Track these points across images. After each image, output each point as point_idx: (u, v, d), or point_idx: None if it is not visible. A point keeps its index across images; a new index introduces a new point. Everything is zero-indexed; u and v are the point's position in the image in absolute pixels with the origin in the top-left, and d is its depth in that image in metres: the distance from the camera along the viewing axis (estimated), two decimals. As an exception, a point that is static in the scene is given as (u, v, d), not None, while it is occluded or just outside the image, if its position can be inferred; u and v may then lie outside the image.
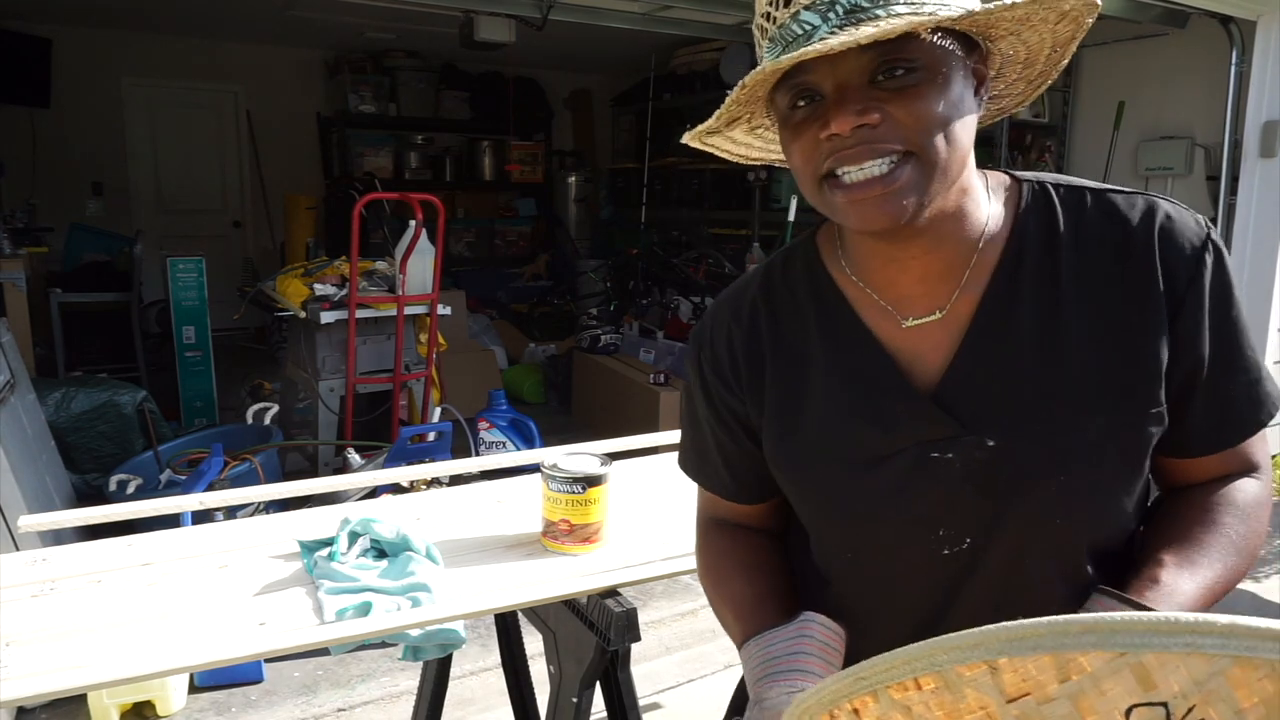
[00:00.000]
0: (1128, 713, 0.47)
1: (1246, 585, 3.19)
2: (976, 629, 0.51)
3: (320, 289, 3.66)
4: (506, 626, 1.81)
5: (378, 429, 3.86)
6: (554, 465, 1.38)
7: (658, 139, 7.30)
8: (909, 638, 0.77)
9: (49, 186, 6.48)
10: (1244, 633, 0.43)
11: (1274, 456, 4.24)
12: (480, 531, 1.47)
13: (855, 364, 0.77)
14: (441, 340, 3.95)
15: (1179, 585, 0.69)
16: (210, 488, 2.72)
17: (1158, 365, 0.71)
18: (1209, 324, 0.72)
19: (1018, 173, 0.80)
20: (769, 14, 0.69)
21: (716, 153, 0.85)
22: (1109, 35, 4.72)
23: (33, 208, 5.67)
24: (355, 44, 7.27)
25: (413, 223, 3.69)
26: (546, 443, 3.65)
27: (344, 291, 3.64)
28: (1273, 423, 0.78)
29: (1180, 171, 4.67)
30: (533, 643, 1.72)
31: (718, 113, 0.73)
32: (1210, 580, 0.71)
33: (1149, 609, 0.66)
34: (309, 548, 1.37)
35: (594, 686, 1.33)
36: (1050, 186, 0.77)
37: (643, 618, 2.61)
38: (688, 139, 0.80)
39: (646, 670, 2.56)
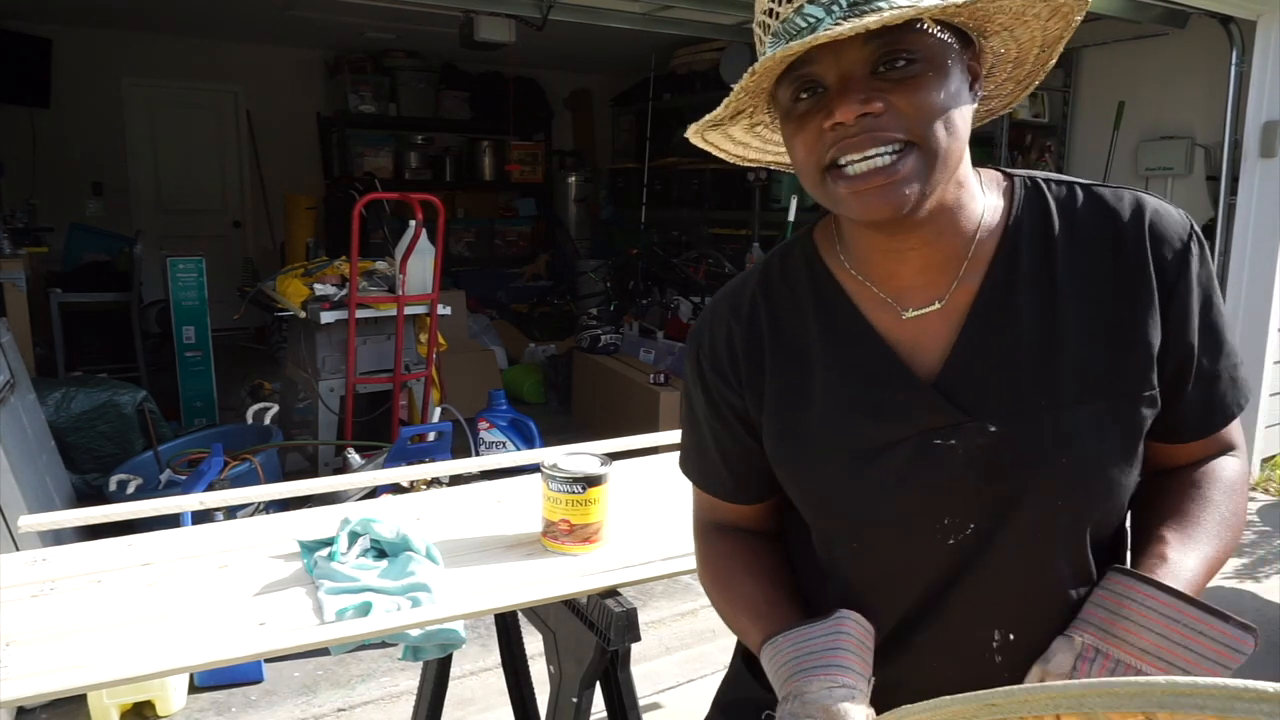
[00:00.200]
0: None
1: (1247, 585, 3.19)
2: (1138, 679, 0.48)
3: (320, 289, 3.66)
4: (506, 626, 1.81)
5: (378, 429, 3.86)
6: (554, 465, 1.38)
7: (658, 139, 7.30)
8: (912, 626, 0.79)
9: (49, 186, 6.48)
10: None
11: (1273, 457, 4.25)
12: (480, 531, 1.47)
13: (855, 356, 0.78)
14: (441, 340, 3.95)
15: (1185, 562, 0.72)
16: (210, 488, 2.72)
17: (1150, 351, 0.74)
18: (1197, 313, 0.76)
19: (1010, 170, 0.82)
20: (772, 10, 0.71)
21: (715, 152, 0.85)
22: (1109, 35, 4.72)
23: (33, 208, 5.67)
24: (355, 44, 7.27)
25: (413, 223, 3.69)
26: (546, 443, 3.65)
27: (344, 291, 3.64)
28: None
29: (1180, 171, 4.67)
30: (533, 643, 1.72)
31: (725, 101, 0.74)
32: (1209, 555, 0.74)
33: (1165, 585, 0.69)
34: (309, 548, 1.37)
35: (594, 686, 1.33)
36: (1042, 182, 0.79)
37: (643, 618, 2.61)
38: (691, 132, 0.81)
39: (646, 670, 2.56)
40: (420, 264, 3.76)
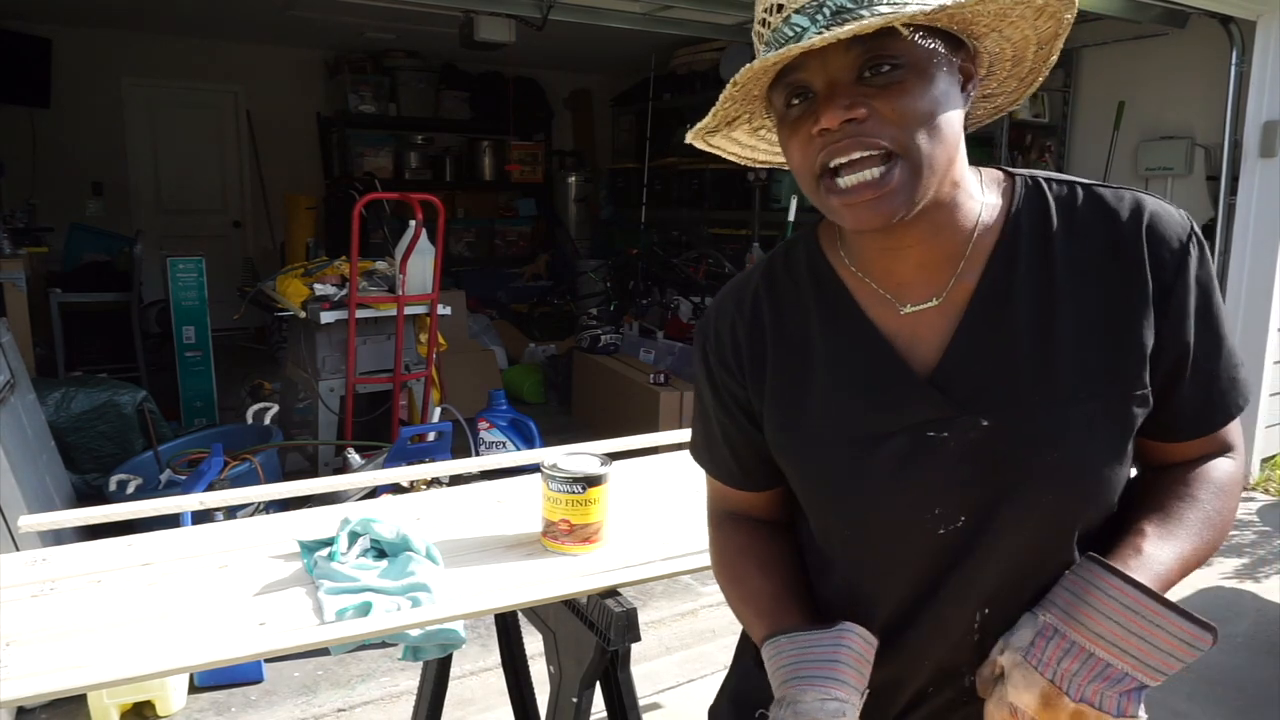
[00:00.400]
0: None
1: (1247, 585, 3.19)
2: None
3: (320, 289, 3.66)
4: (506, 626, 1.81)
5: (378, 429, 3.86)
6: (554, 465, 1.38)
7: (658, 139, 7.30)
8: (900, 619, 0.82)
9: (49, 186, 6.48)
10: None
11: (1273, 457, 4.25)
12: (480, 531, 1.47)
13: (854, 349, 0.80)
14: (441, 340, 3.95)
15: (1159, 556, 0.74)
16: (210, 488, 2.72)
17: (1144, 350, 0.75)
18: (1194, 313, 0.76)
19: (1011, 169, 0.83)
20: (764, 20, 0.73)
21: (722, 154, 0.87)
22: (1109, 35, 4.72)
23: (33, 208, 5.67)
24: (355, 44, 7.27)
25: (413, 223, 3.69)
26: (546, 443, 3.65)
27: (344, 291, 3.64)
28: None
29: (1180, 171, 4.67)
30: (533, 643, 1.72)
31: (713, 110, 0.76)
32: (1186, 551, 0.75)
33: (1132, 578, 0.70)
34: (309, 548, 1.37)
35: (594, 686, 1.33)
36: (1043, 181, 0.80)
37: (643, 618, 2.61)
38: (690, 138, 0.83)
39: (646, 670, 2.56)
40: (420, 264, 3.76)
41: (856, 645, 0.78)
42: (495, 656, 1.96)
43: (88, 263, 5.47)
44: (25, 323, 4.15)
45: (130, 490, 3.14)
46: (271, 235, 7.55)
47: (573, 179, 8.43)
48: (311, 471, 3.73)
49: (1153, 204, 0.78)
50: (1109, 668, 0.68)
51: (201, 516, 2.05)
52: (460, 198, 8.10)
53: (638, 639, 1.25)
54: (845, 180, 0.70)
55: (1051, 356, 0.75)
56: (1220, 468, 0.81)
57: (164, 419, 3.85)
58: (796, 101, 0.72)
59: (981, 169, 0.81)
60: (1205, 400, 0.79)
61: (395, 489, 2.50)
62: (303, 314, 3.67)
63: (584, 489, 1.36)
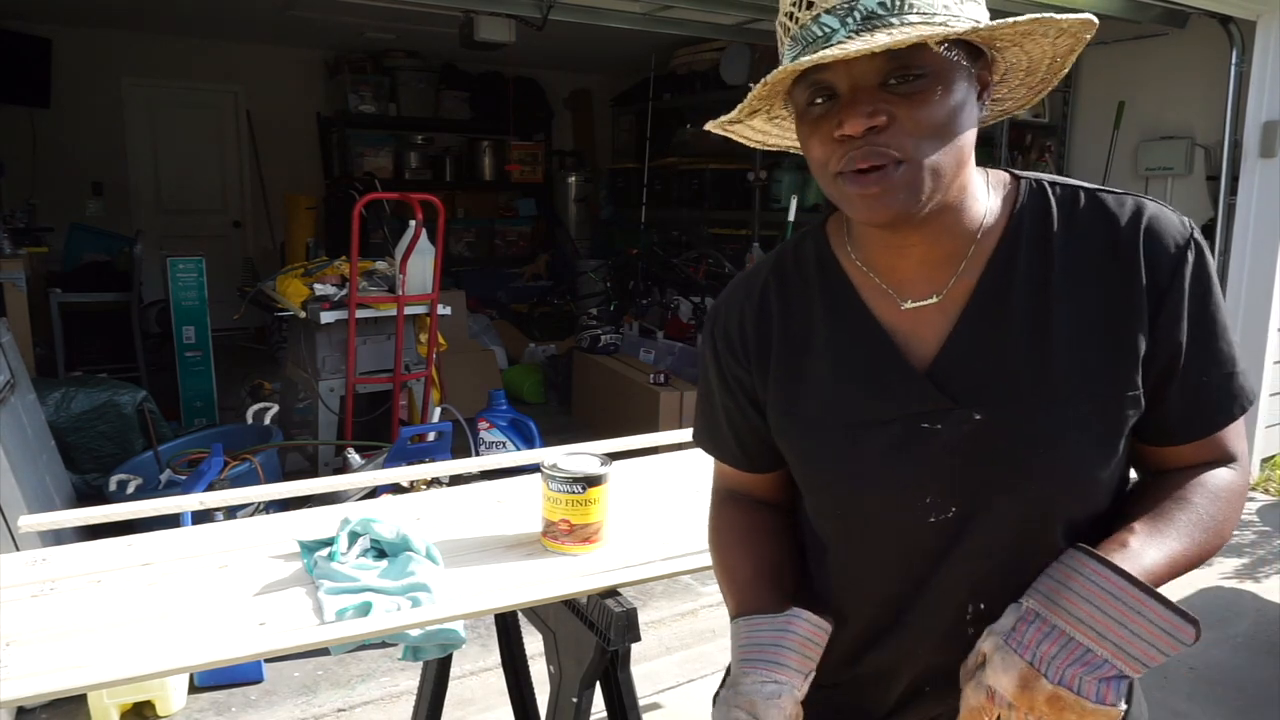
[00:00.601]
0: None
1: (1247, 585, 3.19)
2: None
3: (320, 289, 3.66)
4: (506, 626, 1.81)
5: (378, 429, 3.86)
6: (554, 465, 1.38)
7: (658, 139, 7.30)
8: (892, 607, 0.84)
9: (49, 186, 6.48)
10: None
11: (1272, 457, 4.25)
12: (480, 531, 1.47)
13: (855, 340, 0.83)
14: (441, 340, 3.95)
15: (1145, 552, 0.74)
16: (210, 488, 2.72)
17: (1136, 352, 0.76)
18: (1188, 316, 0.77)
19: (1018, 171, 0.85)
20: (792, 14, 0.74)
21: (736, 138, 0.89)
22: (1109, 35, 4.72)
23: (33, 208, 5.67)
24: (355, 44, 7.27)
25: (413, 223, 3.69)
26: (546, 443, 3.65)
27: (344, 291, 3.64)
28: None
29: (1180, 171, 4.67)
30: (533, 643, 1.72)
31: (741, 106, 0.78)
32: (1175, 551, 0.75)
33: (1116, 566, 0.70)
34: (309, 548, 1.37)
35: (594, 686, 1.33)
36: (1047, 184, 0.82)
37: (643, 618, 2.61)
38: (711, 127, 0.85)
39: (646, 670, 2.56)
40: (420, 264, 3.76)
41: (803, 630, 0.82)
42: (495, 656, 1.96)
43: (88, 263, 5.46)
44: (25, 323, 4.15)
45: (130, 490, 3.14)
46: (271, 235, 7.55)
47: (573, 179, 8.42)
48: (311, 471, 3.73)
49: (1154, 208, 0.79)
50: (1089, 653, 0.68)
51: (201, 516, 2.05)
52: (460, 198, 8.10)
53: (638, 639, 1.25)
54: (859, 178, 0.73)
55: (1046, 355, 0.76)
56: (1218, 475, 0.80)
57: (164, 419, 3.85)
58: (819, 101, 0.74)
59: (989, 171, 0.83)
60: (1198, 404, 0.79)
61: (395, 489, 2.50)
62: (303, 314, 3.67)
63: (584, 489, 1.36)
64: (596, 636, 1.26)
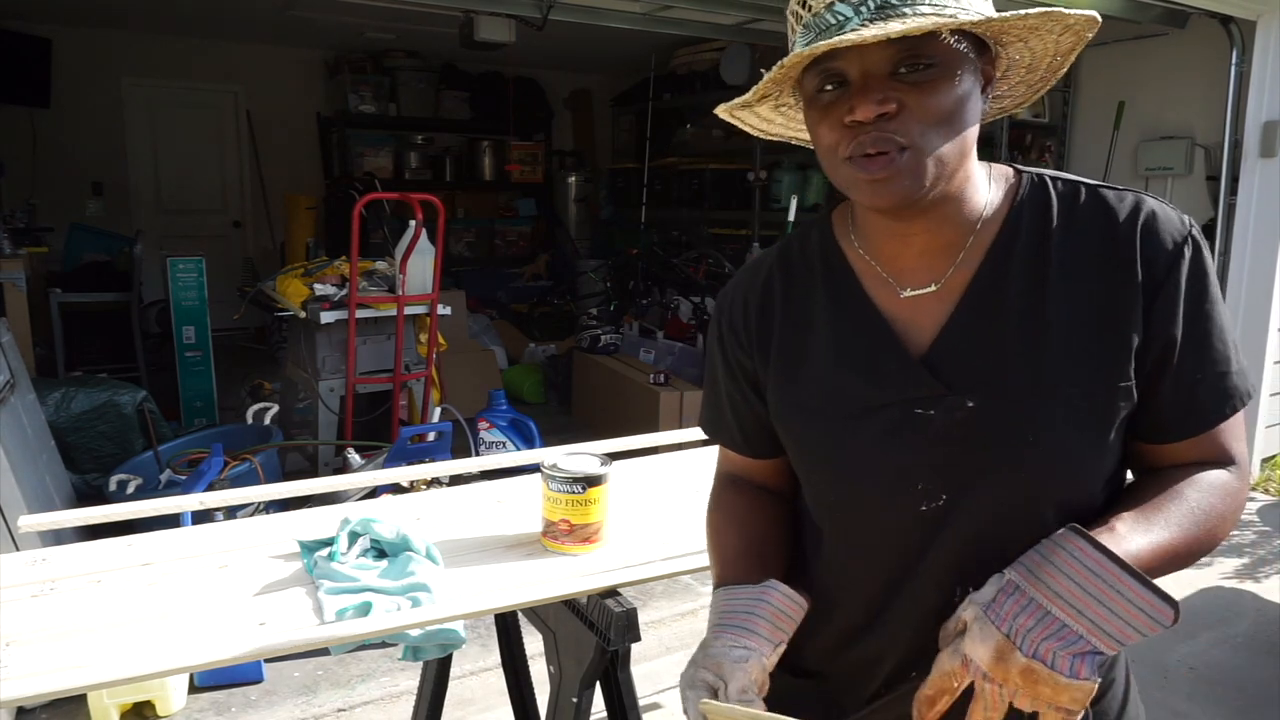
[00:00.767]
0: None
1: (1246, 585, 3.19)
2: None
3: (320, 289, 3.66)
4: (506, 626, 1.81)
5: (378, 429, 3.86)
6: (554, 465, 1.38)
7: (658, 139, 7.30)
8: (882, 592, 0.85)
9: (49, 186, 6.48)
10: None
11: (1273, 457, 4.25)
12: (480, 531, 1.47)
13: (855, 326, 0.85)
14: (441, 340, 3.95)
15: (1131, 538, 0.74)
16: (210, 488, 2.72)
17: (1130, 345, 0.77)
18: (1183, 312, 0.77)
19: (1021, 166, 0.86)
20: (805, 1, 0.76)
21: (741, 125, 0.91)
22: (1109, 35, 4.72)
23: (33, 208, 5.67)
24: (355, 44, 7.27)
25: (413, 223, 3.69)
26: (546, 443, 3.65)
27: (344, 291, 3.64)
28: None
29: (1180, 171, 4.67)
30: (533, 643, 1.72)
31: (755, 89, 0.79)
32: (1163, 541, 0.75)
33: (1101, 545, 0.70)
34: (309, 548, 1.37)
35: (594, 686, 1.33)
36: (1049, 179, 0.83)
37: (643, 618, 2.61)
38: (720, 110, 0.86)
39: (646, 670, 2.56)
40: (420, 264, 3.76)
41: (777, 601, 0.84)
42: (495, 656, 1.96)
43: (88, 263, 5.47)
44: (25, 323, 4.15)
45: (130, 490, 3.14)
46: (271, 235, 7.55)
47: (573, 179, 8.42)
48: (311, 471, 3.73)
49: (1154, 204, 0.80)
50: (1065, 628, 0.68)
51: (201, 516, 2.05)
52: (460, 198, 8.10)
53: (638, 639, 1.25)
54: (867, 163, 0.75)
55: (1040, 345, 0.77)
56: (1214, 474, 0.80)
57: (164, 419, 3.85)
58: (830, 88, 0.75)
59: (992, 165, 0.85)
60: (1192, 400, 0.79)
61: (395, 489, 2.50)
62: (303, 314, 3.67)
63: (584, 489, 1.36)
64: (596, 636, 1.26)
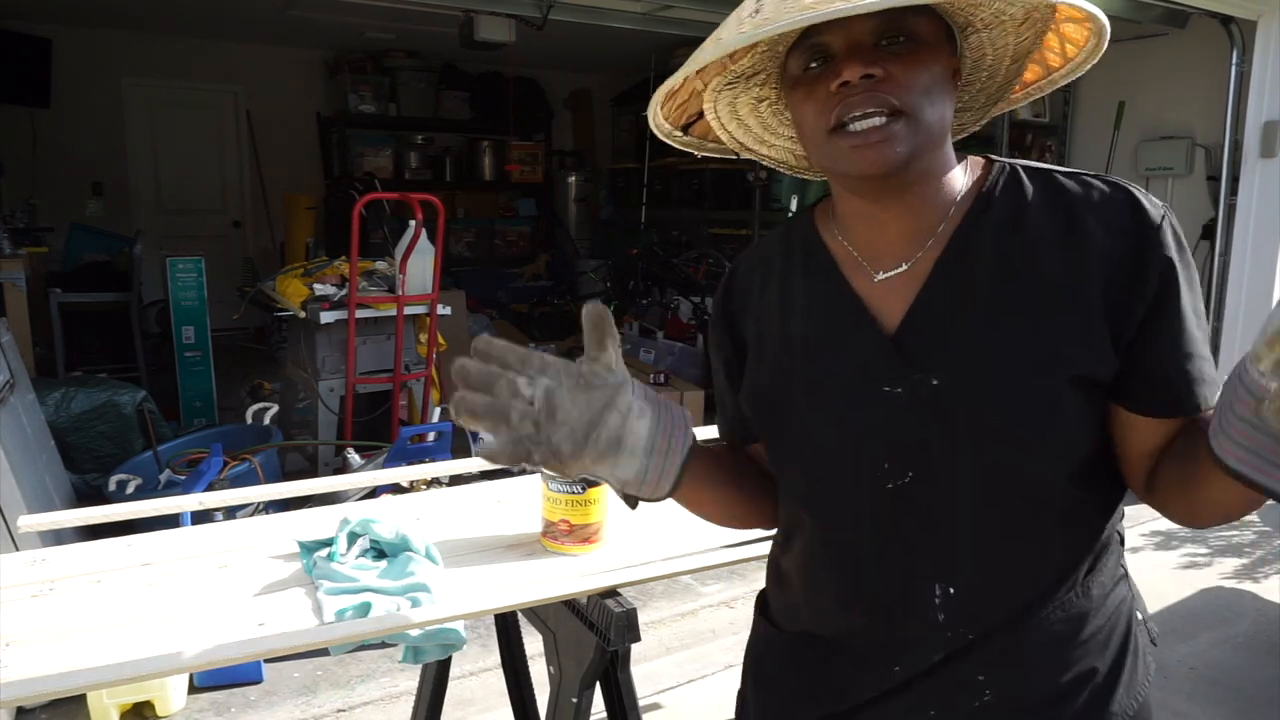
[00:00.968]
0: None
1: (1246, 585, 3.19)
2: None
3: (320, 289, 3.66)
4: (506, 626, 1.81)
5: (378, 429, 3.86)
6: (554, 465, 1.38)
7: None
8: (851, 576, 0.85)
9: (49, 186, 6.48)
10: None
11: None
12: (480, 531, 1.47)
13: (829, 307, 0.87)
14: (441, 340, 3.95)
15: None
16: (210, 488, 2.72)
17: (1090, 327, 0.77)
18: (1155, 296, 0.77)
19: (995, 157, 0.88)
20: None
21: (711, 141, 0.94)
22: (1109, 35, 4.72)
23: (33, 208, 5.67)
24: (355, 44, 7.27)
25: (413, 223, 3.69)
26: (546, 443, 3.64)
27: (344, 291, 3.64)
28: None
29: (1180, 171, 4.67)
30: (533, 643, 1.72)
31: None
32: None
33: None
34: (308, 548, 1.37)
35: (594, 687, 1.33)
36: (1020, 166, 0.85)
37: (643, 618, 2.60)
38: (707, 102, 0.89)
39: (646, 670, 2.56)
40: (420, 264, 3.76)
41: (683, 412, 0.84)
42: (495, 656, 1.96)
43: (88, 263, 5.47)
44: (25, 323, 4.15)
45: (130, 490, 3.14)
46: (271, 235, 7.55)
47: (573, 179, 8.42)
48: (311, 471, 3.73)
49: (1126, 192, 0.80)
50: None
51: (201, 516, 2.05)
52: (460, 198, 8.10)
53: (638, 639, 1.25)
54: (856, 126, 0.75)
55: (1005, 325, 0.79)
56: None
57: (164, 419, 3.85)
58: (815, 65, 0.78)
59: (969, 156, 0.87)
60: (1167, 381, 0.78)
61: (395, 489, 2.50)
62: (303, 314, 3.67)
63: (584, 489, 1.36)
64: (596, 637, 1.26)
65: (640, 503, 0.87)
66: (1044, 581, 0.82)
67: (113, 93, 6.97)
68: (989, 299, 0.80)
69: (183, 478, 3.12)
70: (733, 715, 1.03)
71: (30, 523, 1.42)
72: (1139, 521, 3.66)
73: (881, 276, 0.85)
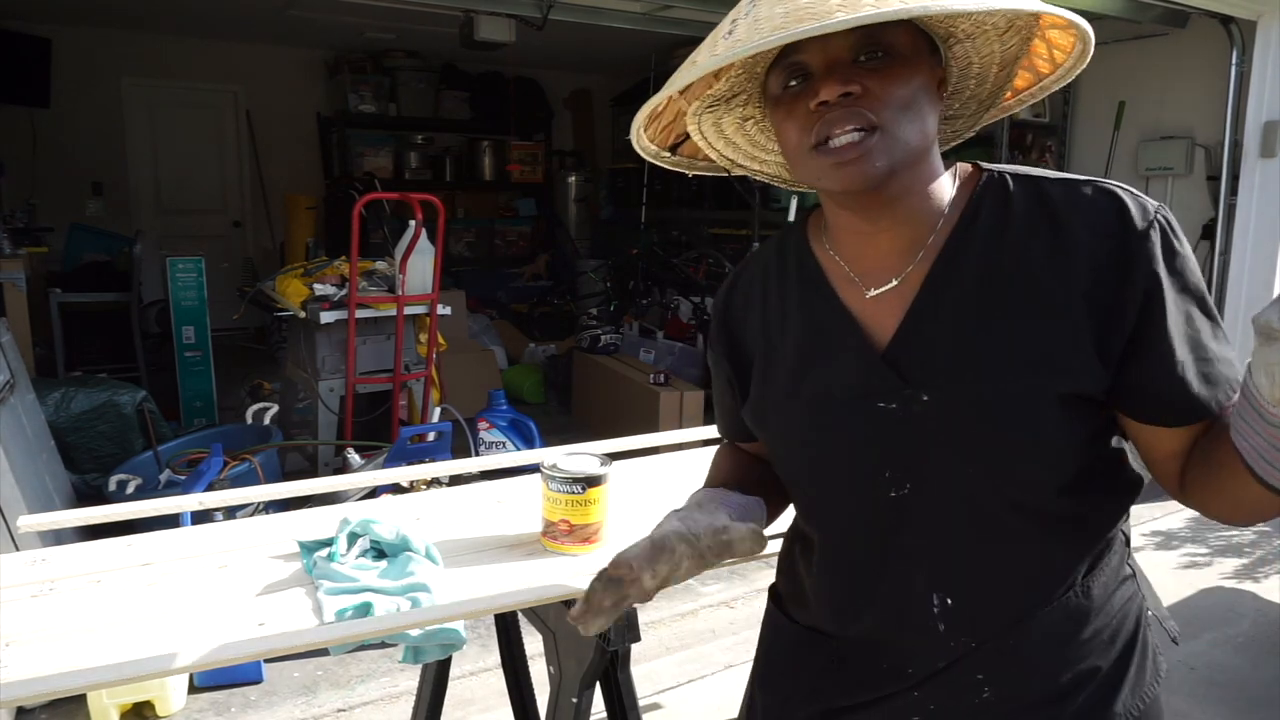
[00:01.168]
0: None
1: (1246, 585, 3.19)
2: None
3: (320, 289, 3.66)
4: (506, 626, 1.81)
5: (378, 429, 3.86)
6: (554, 465, 1.38)
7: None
8: (852, 585, 0.87)
9: (49, 186, 6.48)
10: None
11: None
12: (480, 531, 1.47)
13: (823, 324, 0.88)
14: (441, 340, 3.95)
15: None
16: (210, 488, 2.72)
17: (1084, 335, 0.76)
18: (1149, 300, 0.76)
19: (984, 164, 0.87)
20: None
21: (700, 160, 0.95)
22: (1109, 35, 4.72)
23: (33, 208, 5.67)
24: (355, 44, 7.27)
25: (413, 223, 3.69)
26: (546, 443, 3.65)
27: (344, 291, 3.64)
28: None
29: (1180, 171, 4.67)
30: (533, 643, 1.72)
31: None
32: None
33: None
34: (308, 548, 1.37)
35: (594, 686, 1.33)
36: (1009, 174, 0.84)
37: (643, 618, 2.61)
38: (690, 121, 0.89)
39: (646, 670, 2.56)
40: (420, 264, 3.76)
41: (736, 500, 0.90)
42: (495, 656, 1.96)
43: (88, 263, 5.47)
44: (25, 323, 4.15)
45: (130, 490, 3.14)
46: (271, 235, 7.56)
47: (573, 179, 8.42)
48: (311, 471, 3.73)
49: (1113, 196, 0.79)
50: None
51: (201, 516, 2.04)
52: (460, 198, 8.10)
53: (638, 639, 1.25)
54: (835, 142, 0.76)
55: (995, 337, 0.78)
56: None
57: (164, 419, 3.85)
58: (794, 84, 0.78)
59: (958, 164, 0.87)
60: (1159, 396, 0.77)
61: (395, 489, 2.50)
62: (302, 314, 3.67)
63: (584, 489, 1.36)
64: (596, 637, 1.26)
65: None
66: (1042, 585, 0.82)
67: (112, 93, 6.97)
68: (978, 311, 0.79)
69: (183, 478, 3.12)
70: (733, 715, 1.03)
71: (30, 523, 1.42)
72: (1139, 521, 3.66)
73: (873, 293, 0.85)
